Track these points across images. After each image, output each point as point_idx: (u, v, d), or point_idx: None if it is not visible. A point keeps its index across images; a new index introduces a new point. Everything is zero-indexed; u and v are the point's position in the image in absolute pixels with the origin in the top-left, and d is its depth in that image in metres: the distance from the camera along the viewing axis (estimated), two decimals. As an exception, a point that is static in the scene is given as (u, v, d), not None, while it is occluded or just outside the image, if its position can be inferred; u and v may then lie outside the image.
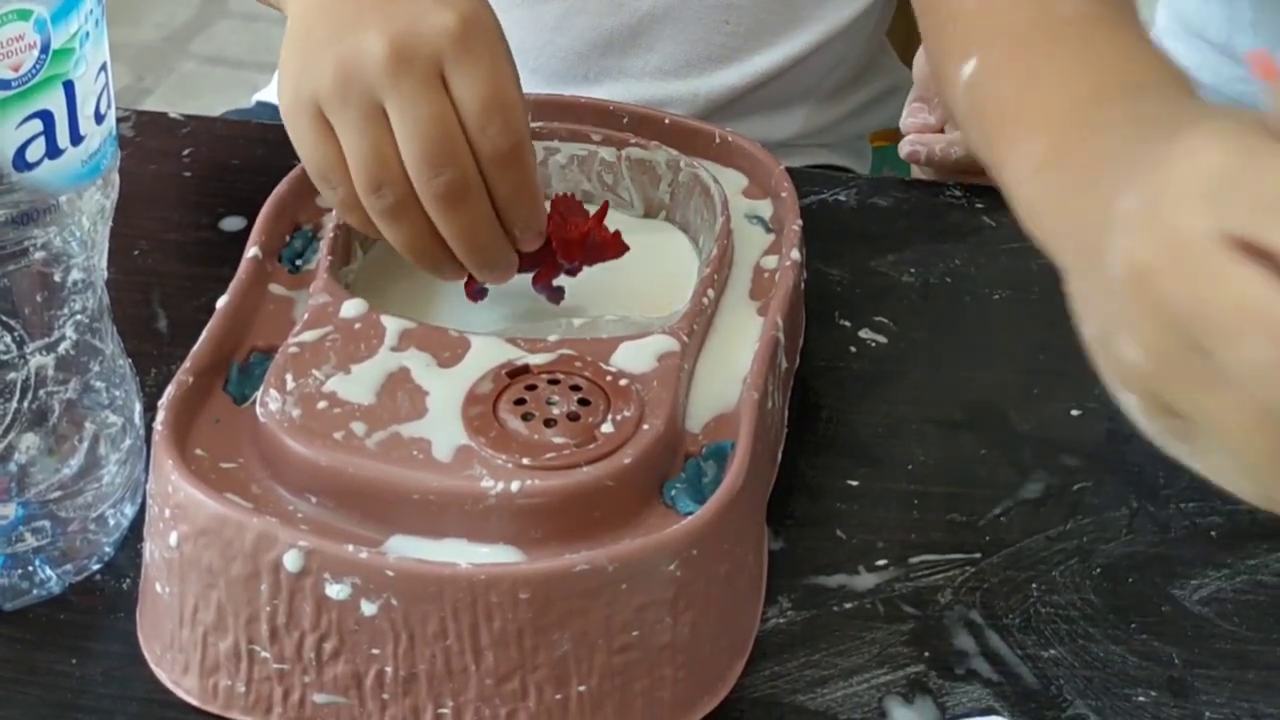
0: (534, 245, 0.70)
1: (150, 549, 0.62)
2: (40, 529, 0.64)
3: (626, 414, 0.63)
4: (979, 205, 0.90)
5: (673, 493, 0.63)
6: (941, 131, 0.94)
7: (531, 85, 1.01)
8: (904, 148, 0.93)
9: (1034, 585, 0.68)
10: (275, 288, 0.71)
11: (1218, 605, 0.67)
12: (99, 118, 0.62)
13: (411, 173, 0.66)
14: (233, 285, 0.69)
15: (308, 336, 0.66)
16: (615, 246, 0.72)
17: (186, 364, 0.65)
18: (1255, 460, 0.43)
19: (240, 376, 0.67)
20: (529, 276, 0.72)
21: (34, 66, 0.59)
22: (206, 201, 0.88)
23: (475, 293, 0.73)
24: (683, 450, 0.64)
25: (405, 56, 0.65)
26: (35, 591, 0.65)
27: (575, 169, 0.79)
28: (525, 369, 0.65)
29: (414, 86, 0.65)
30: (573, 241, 0.71)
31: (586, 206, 0.73)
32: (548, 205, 0.71)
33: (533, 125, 0.79)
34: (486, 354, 0.65)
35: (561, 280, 0.73)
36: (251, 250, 0.71)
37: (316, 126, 0.67)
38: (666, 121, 0.81)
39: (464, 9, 0.67)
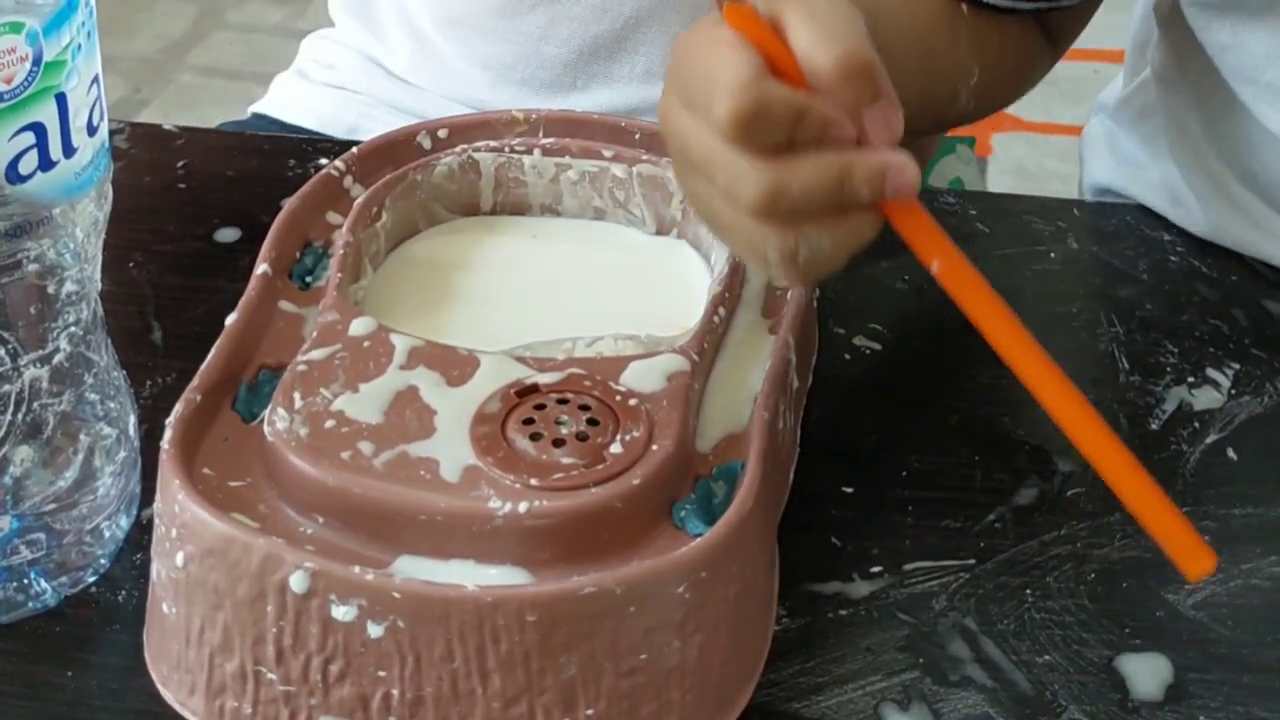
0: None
1: (157, 568, 0.62)
2: (35, 541, 0.64)
3: (636, 434, 0.62)
4: (972, 212, 0.90)
5: (682, 514, 0.62)
6: None
7: (521, 96, 1.02)
8: None
9: (1028, 591, 0.68)
10: (285, 305, 0.70)
11: (1212, 610, 0.67)
12: (91, 130, 0.62)
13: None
14: (242, 302, 0.69)
15: (316, 354, 0.65)
16: None
17: (195, 382, 0.64)
18: (725, 235, 0.62)
19: (249, 394, 0.66)
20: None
21: (26, 79, 0.59)
22: (201, 213, 0.88)
23: None
24: (692, 471, 0.64)
25: None
26: (31, 604, 0.65)
27: (587, 185, 0.79)
28: (534, 388, 0.64)
29: None
30: None
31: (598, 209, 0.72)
32: None
33: (543, 141, 0.79)
34: (495, 373, 0.65)
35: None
36: (261, 267, 0.70)
37: None
38: None
39: None
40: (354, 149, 0.78)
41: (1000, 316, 0.59)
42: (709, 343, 0.68)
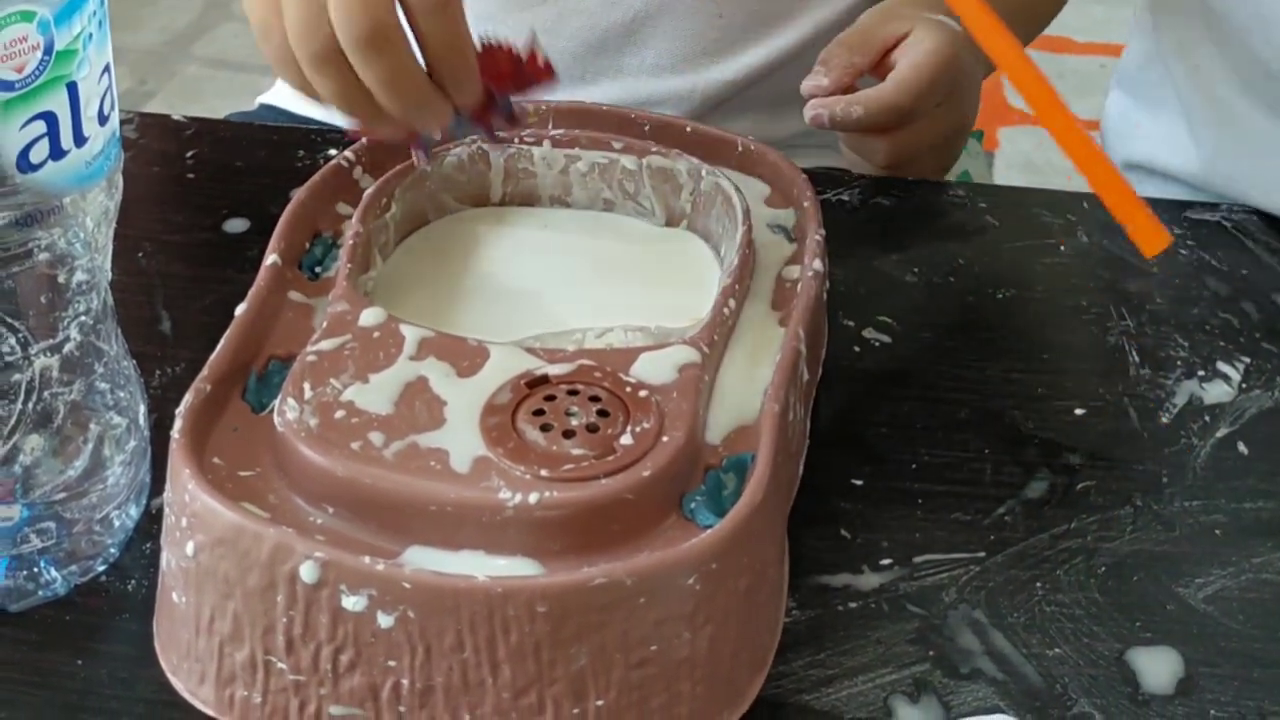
0: (471, 100, 0.71)
1: (167, 558, 0.62)
2: (45, 530, 0.64)
3: (646, 425, 0.62)
4: (981, 205, 0.90)
5: (692, 505, 0.62)
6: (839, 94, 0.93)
7: (529, 89, 1.02)
8: (807, 113, 0.92)
9: (1038, 584, 0.68)
10: (294, 295, 0.70)
11: (1223, 603, 0.67)
12: (102, 119, 0.62)
13: (333, 19, 0.67)
14: (251, 292, 0.69)
15: (326, 345, 0.65)
16: (545, 74, 0.72)
17: (204, 372, 0.64)
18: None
19: (259, 385, 0.66)
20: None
21: (37, 68, 0.59)
22: (209, 203, 0.88)
23: (418, 146, 0.73)
24: (702, 462, 0.64)
25: None
26: (41, 593, 0.65)
27: (596, 177, 0.79)
28: (544, 379, 0.64)
29: None
30: (503, 74, 0.71)
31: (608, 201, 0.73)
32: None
33: (554, 133, 0.79)
34: (505, 364, 0.65)
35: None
36: (270, 257, 0.70)
37: None
38: (688, 129, 0.80)
39: None
40: (363, 139, 0.78)
41: (993, 24, 0.64)
42: (719, 334, 0.67)
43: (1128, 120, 1.02)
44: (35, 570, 0.65)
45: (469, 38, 0.70)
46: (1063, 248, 0.87)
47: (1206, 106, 0.90)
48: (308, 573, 0.57)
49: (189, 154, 0.92)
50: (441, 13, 0.68)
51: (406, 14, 0.68)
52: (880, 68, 0.94)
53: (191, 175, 0.90)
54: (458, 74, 0.70)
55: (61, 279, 0.62)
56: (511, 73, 0.71)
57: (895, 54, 0.94)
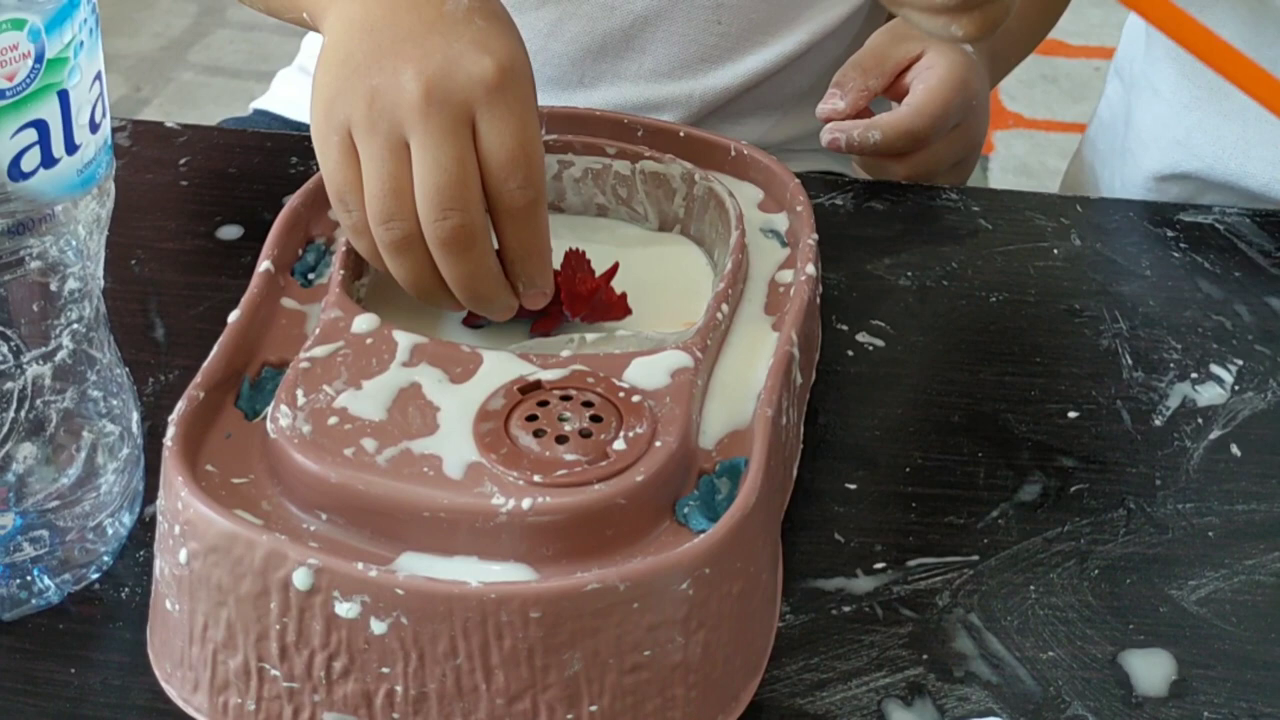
0: (539, 304, 0.71)
1: (160, 565, 0.61)
2: (38, 539, 0.64)
3: (639, 431, 0.62)
4: (975, 208, 0.90)
5: (685, 510, 0.62)
6: (854, 117, 0.93)
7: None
8: (824, 136, 0.92)
9: (1032, 587, 0.68)
10: (287, 302, 0.70)
11: (1215, 606, 0.67)
12: (94, 127, 0.62)
13: (421, 212, 0.66)
14: (244, 299, 0.69)
15: (319, 351, 0.65)
16: (620, 309, 0.72)
17: (197, 379, 0.64)
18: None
19: (251, 391, 0.66)
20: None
21: (28, 76, 0.59)
22: (203, 210, 0.88)
23: (474, 327, 0.73)
24: (696, 467, 0.64)
25: (438, 98, 0.66)
26: (34, 601, 0.65)
27: (590, 182, 0.79)
28: (537, 385, 0.64)
29: (441, 128, 0.66)
30: (579, 297, 0.71)
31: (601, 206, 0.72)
32: (557, 261, 0.71)
33: (547, 138, 0.79)
34: (498, 370, 0.65)
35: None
36: (264, 264, 0.71)
37: (343, 149, 0.68)
38: (681, 134, 0.80)
39: (502, 56, 0.67)
40: None
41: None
42: (712, 339, 0.68)
43: (1115, 109, 1.02)
44: (28, 578, 0.65)
45: (549, 245, 0.70)
46: (1056, 251, 0.87)
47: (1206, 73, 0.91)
48: (301, 579, 0.57)
49: (182, 161, 0.92)
50: (528, 219, 0.68)
51: (493, 214, 0.68)
52: (893, 89, 0.95)
53: (185, 182, 0.90)
54: (533, 279, 0.70)
55: (54, 287, 0.62)
56: (587, 297, 0.72)
57: (909, 77, 0.94)
